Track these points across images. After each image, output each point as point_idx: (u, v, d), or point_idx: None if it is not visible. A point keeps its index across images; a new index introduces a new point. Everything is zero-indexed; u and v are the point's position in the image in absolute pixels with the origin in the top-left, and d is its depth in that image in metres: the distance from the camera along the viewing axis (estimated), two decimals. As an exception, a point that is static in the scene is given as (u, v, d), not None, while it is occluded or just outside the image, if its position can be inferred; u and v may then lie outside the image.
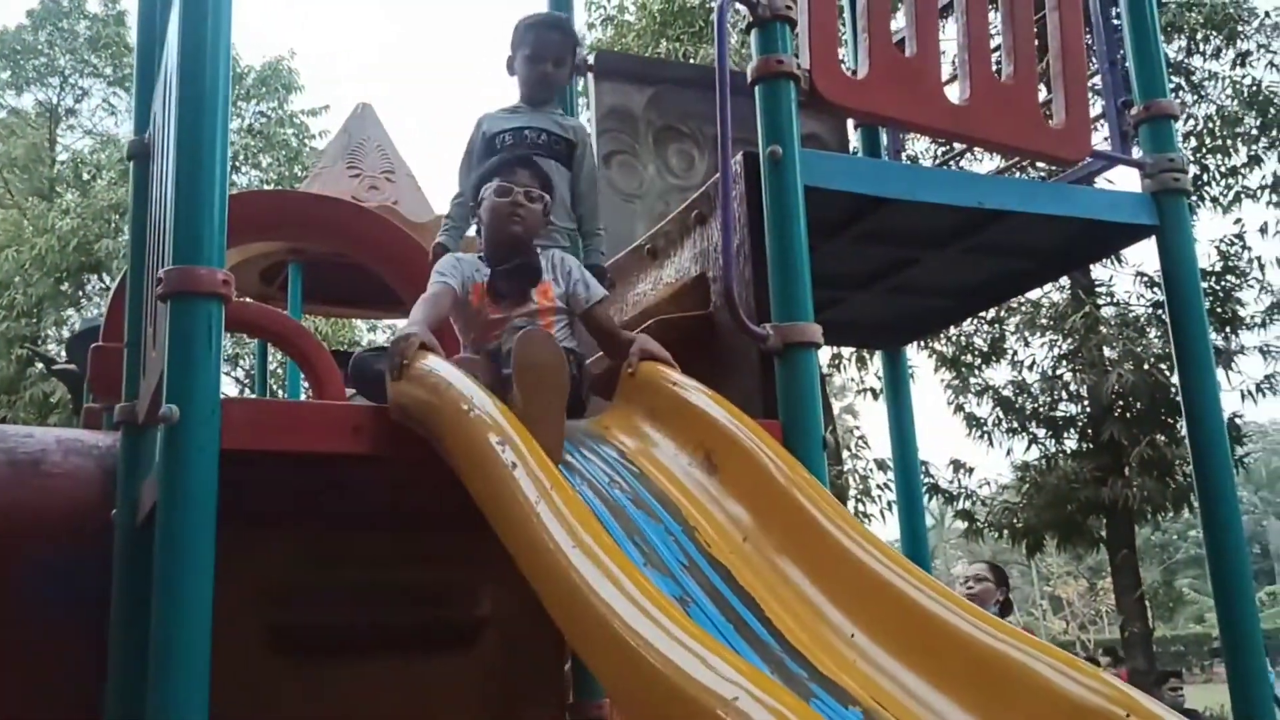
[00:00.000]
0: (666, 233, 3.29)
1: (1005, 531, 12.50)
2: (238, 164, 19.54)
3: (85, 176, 20.14)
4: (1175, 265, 3.31)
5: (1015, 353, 12.90)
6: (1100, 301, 12.20)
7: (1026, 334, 12.70)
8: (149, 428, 2.77)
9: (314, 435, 2.26)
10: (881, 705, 1.57)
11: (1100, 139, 3.60)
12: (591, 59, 4.19)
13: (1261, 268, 12.93)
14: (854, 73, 3.03)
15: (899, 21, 3.22)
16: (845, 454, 13.42)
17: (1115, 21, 3.53)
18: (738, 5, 2.82)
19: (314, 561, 2.95)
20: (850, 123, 4.21)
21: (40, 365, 15.84)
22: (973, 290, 3.78)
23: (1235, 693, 3.07)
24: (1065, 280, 12.74)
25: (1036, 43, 3.27)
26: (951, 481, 12.60)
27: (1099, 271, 12.51)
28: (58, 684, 3.02)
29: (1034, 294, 12.90)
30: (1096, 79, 3.66)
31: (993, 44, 3.25)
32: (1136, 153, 3.45)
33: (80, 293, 19.09)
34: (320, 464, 2.43)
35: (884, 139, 4.01)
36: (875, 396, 13.46)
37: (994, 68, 3.19)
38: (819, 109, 2.96)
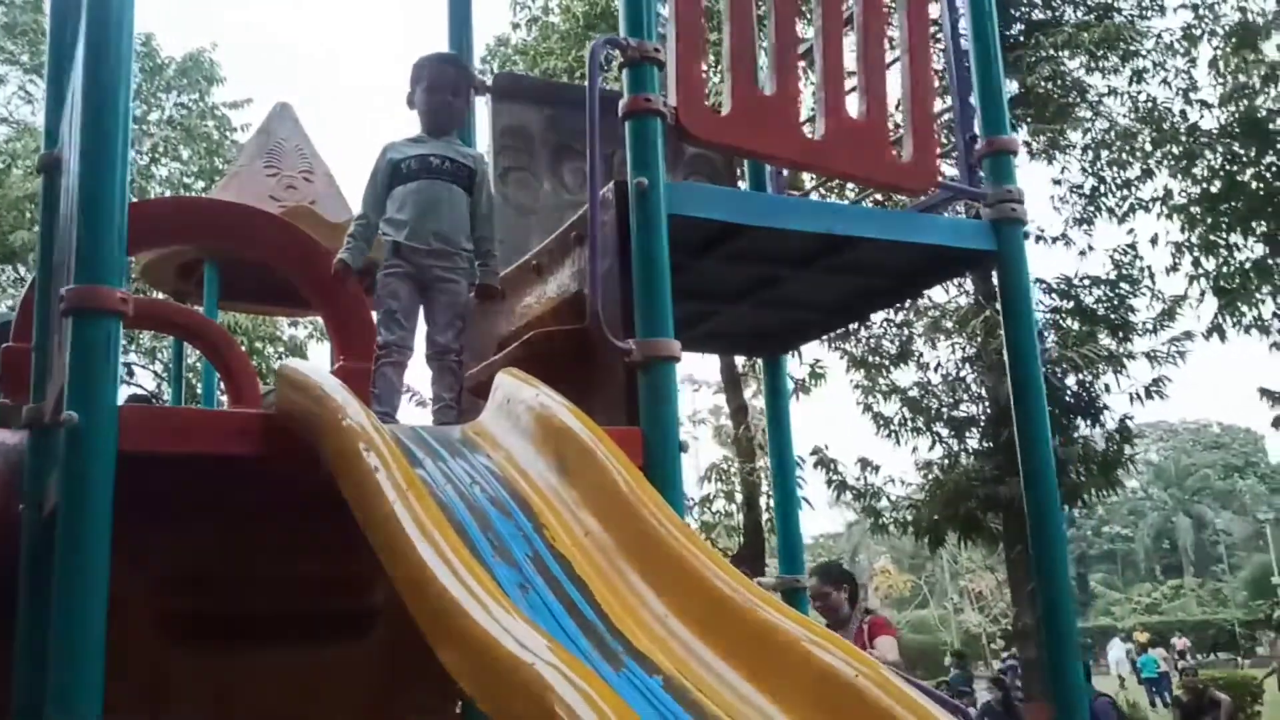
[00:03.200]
0: (550, 250, 3.55)
1: (908, 528, 13.00)
2: (157, 155, 19.37)
3: (0, 166, 19.78)
4: (1011, 287, 3.66)
5: (921, 355, 13.40)
6: (999, 307, 12.71)
7: (933, 337, 13.19)
8: (54, 428, 2.96)
9: (202, 438, 2.49)
10: (682, 674, 1.86)
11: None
12: (490, 80, 4.43)
13: (1152, 276, 13.59)
14: (719, 109, 3.32)
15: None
16: (758, 452, 13.81)
17: (966, 64, 3.87)
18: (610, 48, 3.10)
19: (211, 553, 3.16)
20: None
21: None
22: (836, 306, 4.11)
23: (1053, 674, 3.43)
24: (970, 286, 13.25)
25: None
26: (858, 479, 13.06)
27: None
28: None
29: (940, 298, 13.41)
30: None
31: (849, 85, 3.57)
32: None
33: (-6, 283, 18.78)
34: (213, 463, 2.65)
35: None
36: (797, 396, 13.85)
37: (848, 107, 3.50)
38: (684, 143, 3.25)
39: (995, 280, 3.71)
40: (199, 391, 8.44)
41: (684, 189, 3.22)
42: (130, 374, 17.70)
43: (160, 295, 7.63)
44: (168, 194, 18.13)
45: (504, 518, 2.26)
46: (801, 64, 3.67)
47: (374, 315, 3.52)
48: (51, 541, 2.38)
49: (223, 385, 6.81)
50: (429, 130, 3.61)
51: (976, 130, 3.80)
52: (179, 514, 3.06)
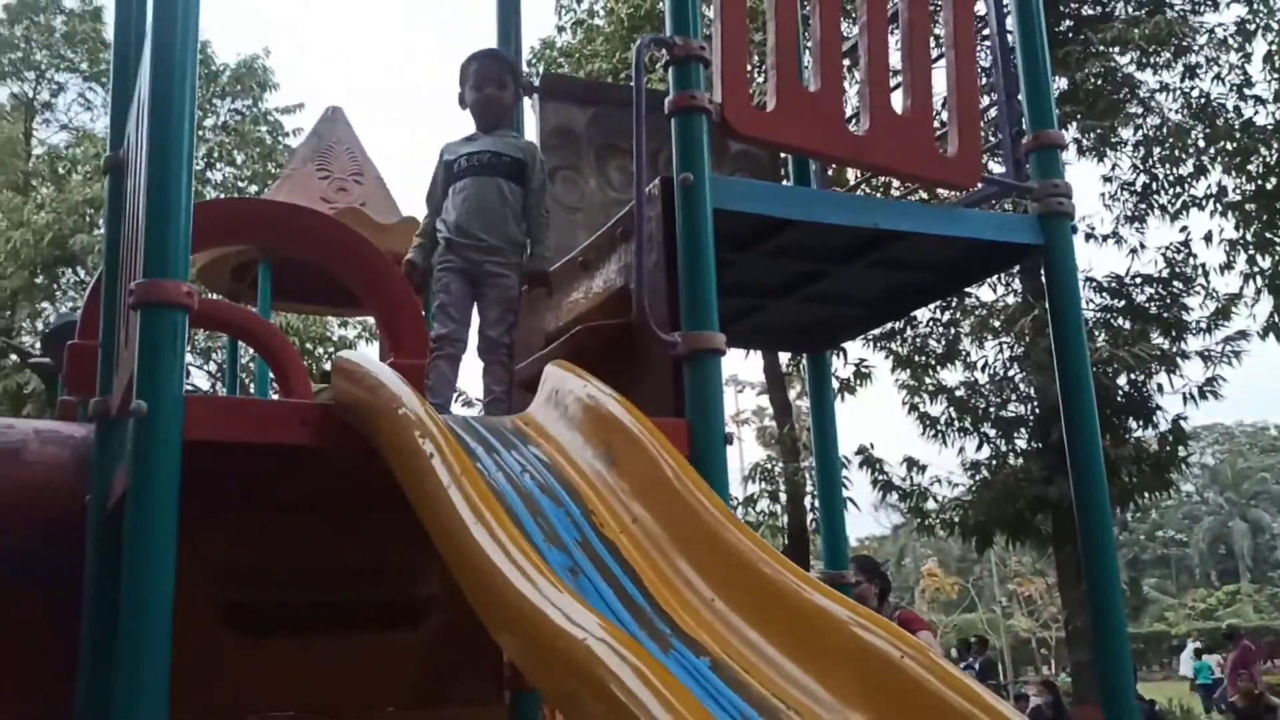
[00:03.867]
0: (597, 246, 3.61)
1: (956, 529, 12.91)
2: (212, 161, 19.75)
3: (61, 171, 20.26)
4: (1058, 283, 3.66)
5: (969, 354, 13.31)
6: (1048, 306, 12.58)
7: (980, 336, 13.10)
8: (120, 420, 3.07)
9: (266, 428, 2.57)
10: (729, 656, 1.90)
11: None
12: (537, 82, 4.50)
13: (1206, 274, 13.39)
14: (763, 106, 3.36)
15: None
16: (803, 451, 13.80)
17: (1012, 59, 3.87)
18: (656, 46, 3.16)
19: (267, 543, 3.26)
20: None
21: (15, 357, 16.00)
22: (880, 301, 4.12)
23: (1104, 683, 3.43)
24: (1018, 285, 13.14)
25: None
26: (905, 479, 13.00)
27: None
28: (32, 659, 3.30)
29: (987, 297, 13.31)
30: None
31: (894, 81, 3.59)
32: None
33: (55, 286, 19.24)
34: (272, 454, 2.73)
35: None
36: (842, 396, 13.81)
37: (893, 102, 3.52)
38: (731, 139, 3.29)
39: (1043, 277, 3.70)
40: (252, 391, 8.61)
41: (728, 184, 3.26)
42: (186, 374, 18.07)
43: (215, 296, 7.82)
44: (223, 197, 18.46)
45: (554, 505, 2.31)
46: (845, 61, 3.69)
47: None
48: (117, 532, 2.48)
49: (275, 384, 6.95)
50: (480, 127, 3.71)
51: (1023, 126, 3.81)
52: (236, 504, 3.16)
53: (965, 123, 3.56)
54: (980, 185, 3.71)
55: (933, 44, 3.64)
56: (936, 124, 3.70)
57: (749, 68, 3.32)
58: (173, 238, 2.51)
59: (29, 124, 22.22)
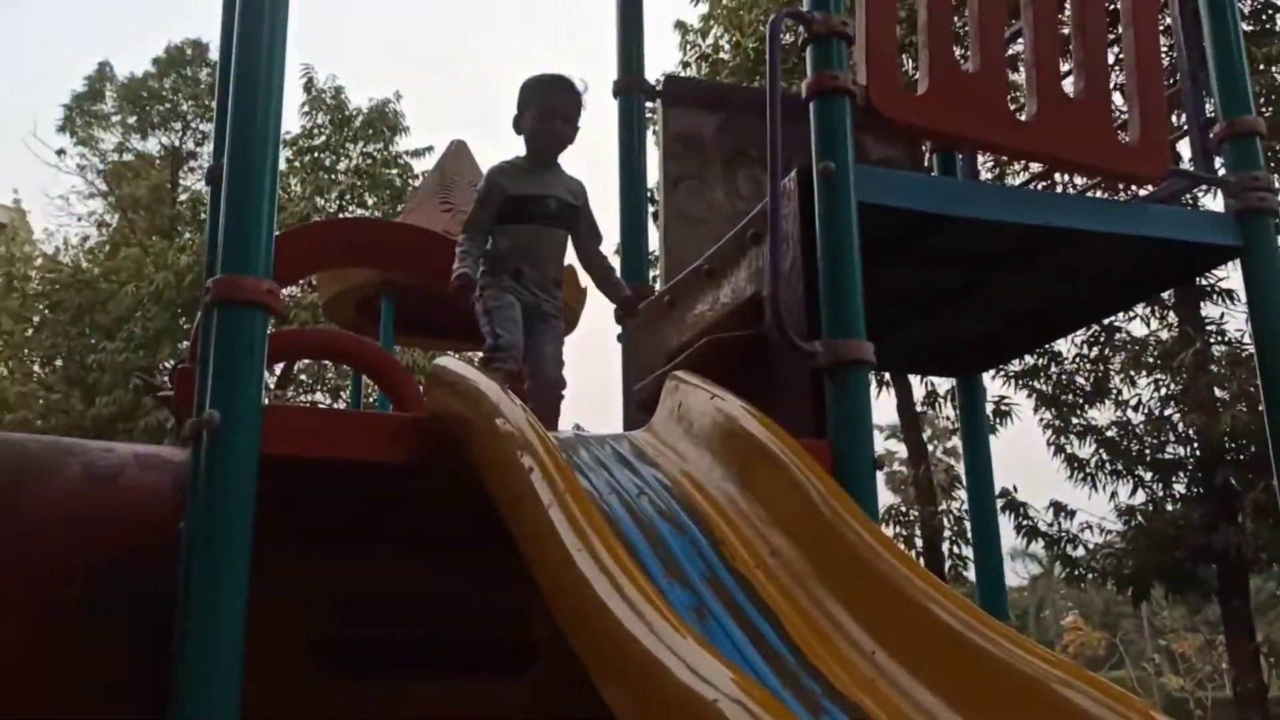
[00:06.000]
0: (724, 253, 3.26)
1: (1108, 579, 12.00)
2: (344, 203, 20.15)
3: (202, 216, 20.98)
4: (1262, 289, 3.15)
5: (1119, 392, 12.43)
6: (1210, 339, 11.68)
7: (1132, 372, 12.23)
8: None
9: (352, 442, 2.29)
10: (895, 723, 1.50)
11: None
12: (660, 85, 4.21)
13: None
14: (913, 89, 2.97)
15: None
16: (939, 494, 13.10)
17: (1199, 39, 3.40)
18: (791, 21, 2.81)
19: (365, 578, 2.98)
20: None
21: (148, 397, 16.48)
22: (1045, 315, 3.65)
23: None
24: (1174, 318, 12.27)
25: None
26: (1052, 525, 12.15)
27: (1209, 308, 12.00)
28: (122, 687, 3.10)
29: (1139, 331, 12.46)
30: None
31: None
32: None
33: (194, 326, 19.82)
34: (364, 475, 2.45)
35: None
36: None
37: (1064, 83, 3.10)
38: (875, 126, 2.91)
39: (1243, 282, 3.19)
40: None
41: (875, 174, 2.87)
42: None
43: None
44: (352, 239, 18.77)
45: (676, 532, 1.96)
46: (1007, 37, 3.27)
47: (482, 324, 3.32)
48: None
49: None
50: (537, 158, 3.41)
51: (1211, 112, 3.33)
52: (333, 531, 2.90)
53: (1149, 105, 3.10)
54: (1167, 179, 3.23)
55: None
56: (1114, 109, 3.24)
57: (897, 46, 2.94)
58: (254, 231, 2.26)
59: (176, 173, 23.12)
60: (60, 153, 22.72)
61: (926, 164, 4.50)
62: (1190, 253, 3.24)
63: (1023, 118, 3.02)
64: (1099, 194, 4.26)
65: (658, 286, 4.04)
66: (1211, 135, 3.30)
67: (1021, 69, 3.09)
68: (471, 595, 2.98)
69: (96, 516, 3.20)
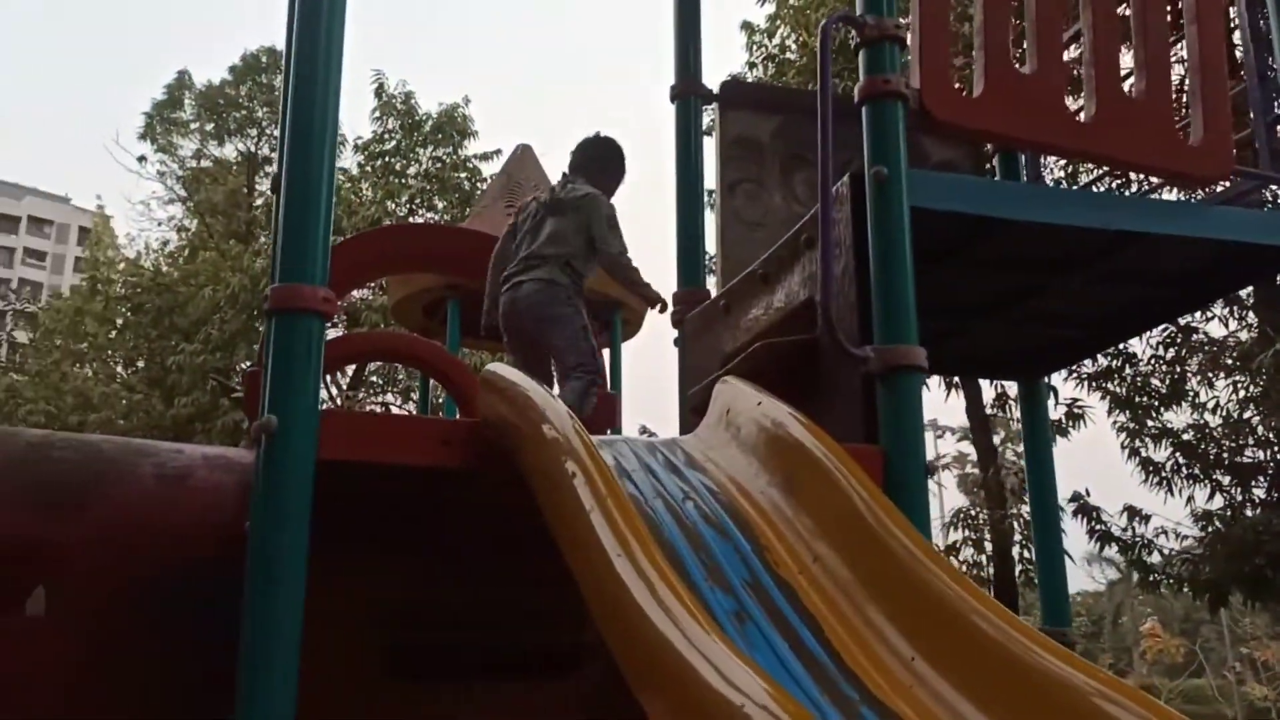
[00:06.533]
0: (778, 257, 3.26)
1: (1185, 585, 11.68)
2: (414, 207, 20.41)
3: (276, 220, 21.36)
4: (1332, 290, 3.06)
5: (1196, 394, 12.09)
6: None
7: (1210, 374, 11.89)
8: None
9: (405, 447, 2.33)
10: (934, 733, 1.50)
11: None
12: (717, 89, 4.21)
13: None
14: (968, 90, 2.94)
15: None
16: (1010, 497, 12.87)
17: (1266, 35, 3.32)
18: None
19: (423, 584, 3.03)
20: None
21: (224, 399, 16.87)
22: (1109, 319, 3.59)
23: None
24: (1253, 318, 11.92)
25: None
26: (1125, 530, 11.86)
27: (1292, 308, 11.62)
28: (193, 686, 3.19)
29: (1217, 332, 12.12)
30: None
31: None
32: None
33: (269, 328, 20.18)
34: (420, 480, 2.50)
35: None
36: (1054, 439, 12.80)
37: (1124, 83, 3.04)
38: (929, 129, 2.89)
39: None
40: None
41: (928, 178, 2.85)
42: (386, 410, 18.63)
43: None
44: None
45: (720, 537, 1.97)
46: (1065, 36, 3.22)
47: (577, 339, 3.68)
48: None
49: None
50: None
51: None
52: (397, 539, 2.95)
53: (1213, 105, 3.03)
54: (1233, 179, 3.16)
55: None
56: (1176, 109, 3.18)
57: (951, 49, 2.92)
58: (310, 241, 2.32)
59: (252, 178, 23.63)
60: (141, 160, 23.35)
61: (989, 164, 4.44)
62: (1260, 255, 3.16)
63: (1082, 119, 2.98)
64: (1173, 194, 4.18)
65: (714, 290, 4.05)
66: (1279, 134, 3.22)
67: (1080, 69, 3.05)
68: (525, 599, 3.02)
69: (167, 516, 3.29)
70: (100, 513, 3.14)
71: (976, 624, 1.62)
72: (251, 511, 2.98)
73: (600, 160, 4.02)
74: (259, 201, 23.22)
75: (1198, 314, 11.57)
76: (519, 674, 3.01)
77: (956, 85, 2.92)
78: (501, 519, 2.92)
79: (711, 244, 4.46)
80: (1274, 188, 3.40)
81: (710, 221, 5.51)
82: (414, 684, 3.01)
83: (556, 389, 3.64)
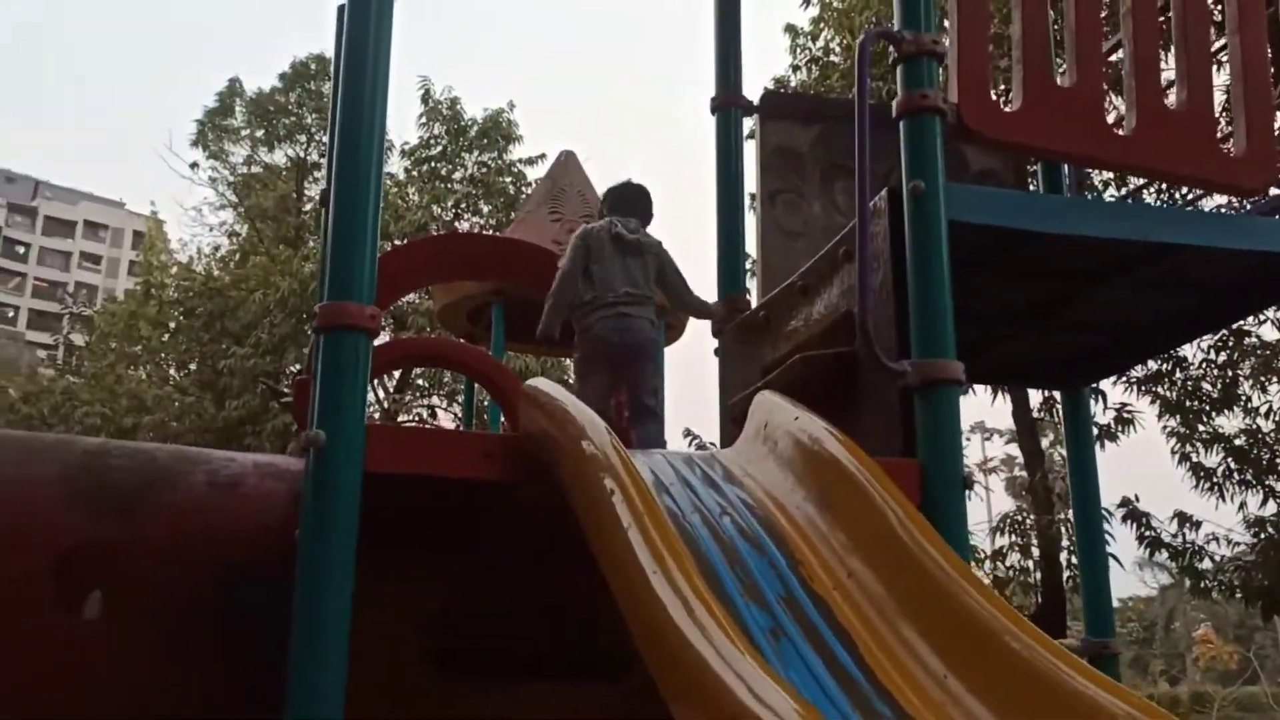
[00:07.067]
0: (818, 269, 3.28)
1: (1237, 592, 11.50)
2: (459, 211, 20.60)
3: (325, 225, 21.63)
4: (1380, 301, 3.03)
5: (1249, 399, 11.90)
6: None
7: (1263, 379, 11.70)
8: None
9: (448, 460, 2.39)
10: (965, 751, 1.53)
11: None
12: (757, 100, 4.24)
13: None
14: (1007, 104, 2.95)
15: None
16: (1057, 502, 12.72)
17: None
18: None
19: (471, 589, 3.09)
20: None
21: (274, 402, 17.12)
22: (1150, 328, 3.57)
23: None
24: (1309, 321, 11.69)
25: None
26: (1175, 536, 11.69)
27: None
28: (245, 691, 3.27)
29: (1271, 336, 11.91)
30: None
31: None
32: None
33: (318, 332, 20.44)
34: (463, 491, 2.55)
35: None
36: (1102, 444, 12.65)
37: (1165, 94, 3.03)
38: (968, 142, 2.90)
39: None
40: (490, 432, 8.72)
41: (965, 192, 2.85)
42: (433, 415, 18.82)
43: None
44: (467, 246, 19.14)
45: (756, 553, 2.00)
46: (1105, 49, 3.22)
47: (661, 384, 3.97)
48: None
49: (506, 425, 6.99)
50: None
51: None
52: (435, 547, 3.01)
53: (1257, 115, 3.02)
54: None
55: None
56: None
57: (991, 54, 2.92)
58: (357, 260, 2.38)
59: (301, 183, 23.96)
60: (194, 166, 23.75)
61: (1031, 170, 4.43)
62: (1305, 265, 3.13)
63: (1121, 131, 2.97)
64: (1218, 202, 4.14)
65: (754, 296, 4.07)
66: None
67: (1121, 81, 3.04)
68: (571, 607, 3.07)
69: (219, 523, 3.38)
70: (154, 518, 3.23)
71: (1009, 644, 1.64)
72: (301, 521, 3.07)
73: (643, 207, 4.15)
74: (308, 207, 23.52)
75: (1249, 319, 11.38)
76: (564, 678, 3.06)
77: (995, 96, 2.93)
78: (545, 529, 2.98)
79: (752, 247, 4.50)
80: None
81: (750, 226, 5.53)
82: (458, 685, 3.07)
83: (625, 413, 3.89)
